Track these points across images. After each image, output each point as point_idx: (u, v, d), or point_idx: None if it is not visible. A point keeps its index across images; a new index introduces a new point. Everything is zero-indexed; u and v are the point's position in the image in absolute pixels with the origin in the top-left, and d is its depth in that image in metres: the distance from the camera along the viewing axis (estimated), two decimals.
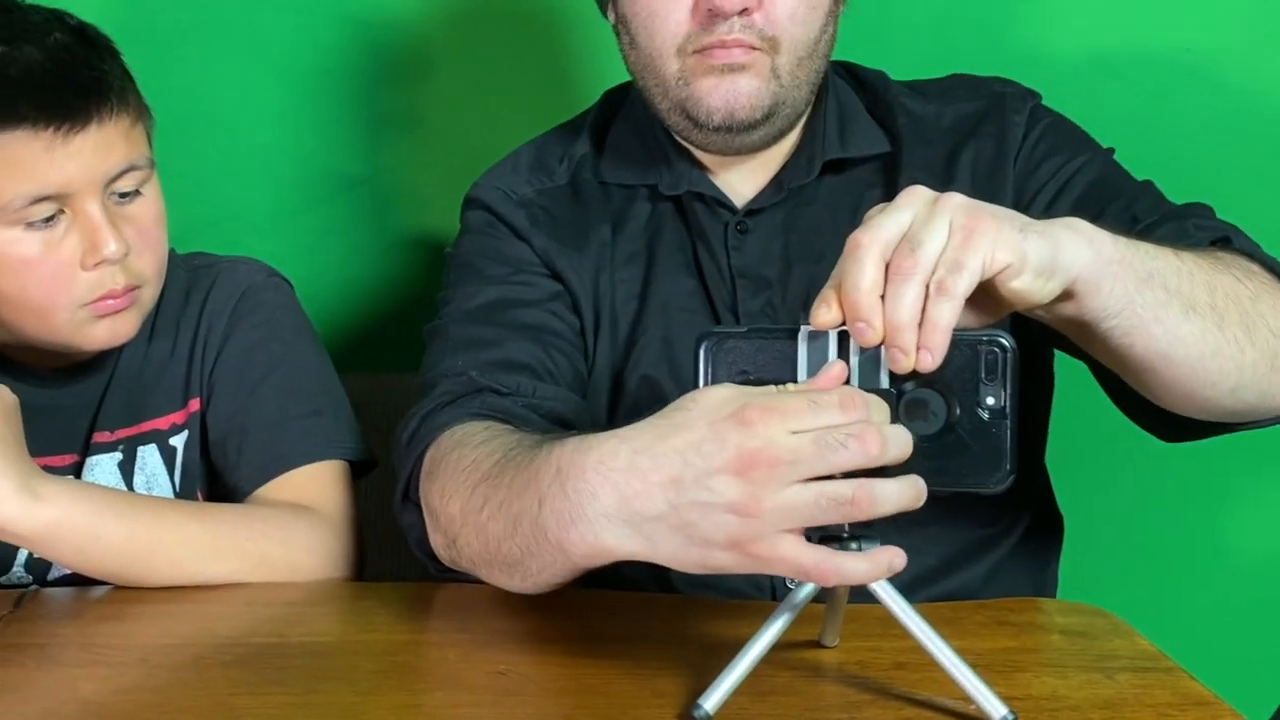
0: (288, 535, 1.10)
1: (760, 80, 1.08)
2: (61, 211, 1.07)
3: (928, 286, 0.75)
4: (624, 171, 1.19)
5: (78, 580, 1.08)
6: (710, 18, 1.06)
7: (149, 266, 1.13)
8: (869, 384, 0.78)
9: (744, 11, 1.06)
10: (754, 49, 1.07)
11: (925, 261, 0.75)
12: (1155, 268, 0.85)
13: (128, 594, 1.04)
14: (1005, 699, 0.76)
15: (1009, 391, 0.78)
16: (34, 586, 1.12)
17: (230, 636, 0.97)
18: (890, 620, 0.78)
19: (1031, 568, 1.17)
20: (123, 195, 1.11)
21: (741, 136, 1.11)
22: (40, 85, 1.05)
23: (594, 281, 1.16)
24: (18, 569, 1.15)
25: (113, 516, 1.03)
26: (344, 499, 1.16)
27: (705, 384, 0.80)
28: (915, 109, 1.18)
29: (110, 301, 1.10)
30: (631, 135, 1.20)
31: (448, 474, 0.96)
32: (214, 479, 1.20)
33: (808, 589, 0.78)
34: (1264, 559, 1.61)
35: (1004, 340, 0.79)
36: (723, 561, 0.75)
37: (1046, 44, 1.53)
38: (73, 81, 1.07)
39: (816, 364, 0.79)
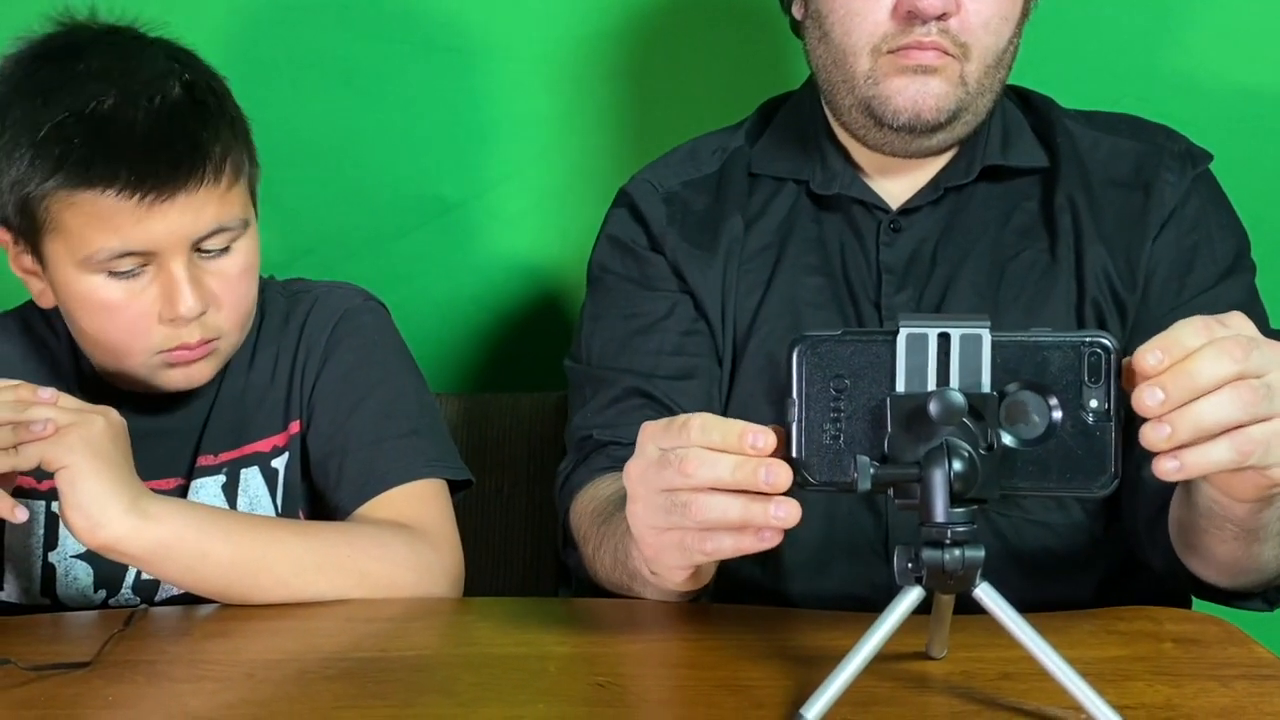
0: (387, 552, 1.10)
1: (949, 85, 1.10)
2: (145, 265, 1.09)
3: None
4: (777, 164, 1.22)
5: (186, 600, 1.10)
6: (910, 19, 1.08)
7: (228, 320, 1.13)
8: (970, 386, 0.77)
9: (942, 16, 1.08)
10: (947, 54, 1.10)
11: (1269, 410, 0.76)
12: None
13: (233, 612, 1.05)
14: (1117, 708, 0.74)
15: (1113, 394, 0.77)
16: (143, 606, 1.13)
17: (333, 651, 0.98)
18: (997, 629, 0.76)
19: (1147, 577, 1.14)
20: (210, 251, 1.11)
21: (921, 139, 1.13)
22: (137, 152, 1.06)
23: (721, 280, 1.19)
24: (126, 590, 1.17)
25: (219, 534, 1.04)
26: (443, 516, 1.16)
27: (799, 388, 0.79)
28: (1075, 131, 1.19)
29: (184, 353, 1.11)
30: (790, 131, 1.23)
31: (582, 527, 1.12)
32: (316, 499, 1.21)
33: (910, 598, 0.77)
34: None
35: (1107, 341, 0.78)
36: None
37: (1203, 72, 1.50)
38: (170, 150, 1.07)
39: (915, 369, 0.78)
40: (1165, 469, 0.76)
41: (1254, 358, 0.76)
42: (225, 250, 1.12)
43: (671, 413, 1.09)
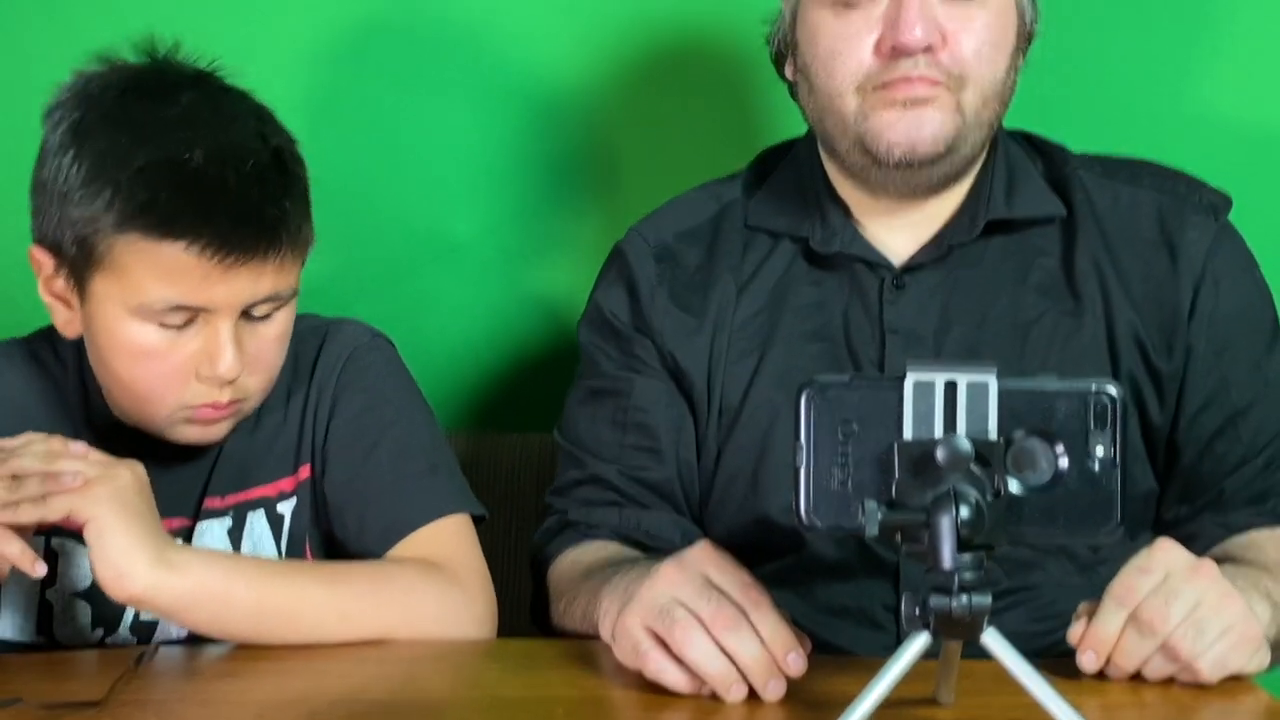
0: (412, 597, 1.09)
1: (945, 113, 1.08)
2: (193, 320, 1.07)
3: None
4: (776, 218, 1.19)
5: (192, 639, 1.09)
6: (895, 55, 1.06)
7: (257, 384, 1.12)
8: (977, 433, 0.77)
9: (928, 49, 1.06)
10: (938, 84, 1.07)
11: (1168, 626, 0.88)
12: None
13: (243, 651, 1.05)
14: None
15: (1118, 441, 0.78)
16: (154, 644, 1.13)
17: (342, 693, 0.97)
18: (1005, 675, 0.76)
19: None
20: (256, 317, 1.10)
21: (921, 173, 1.10)
22: (226, 214, 1.04)
23: (709, 349, 1.17)
24: (124, 629, 1.16)
25: (243, 582, 1.04)
26: (471, 552, 1.15)
27: (807, 433, 0.80)
28: (1091, 184, 1.16)
29: (210, 411, 1.10)
30: (789, 185, 1.21)
31: (559, 585, 1.15)
32: (331, 546, 1.19)
33: (918, 644, 0.77)
34: None
35: (1112, 389, 0.78)
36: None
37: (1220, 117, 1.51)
38: (258, 218, 1.05)
39: (922, 414, 0.78)
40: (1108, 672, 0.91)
41: (1173, 610, 0.88)
42: (268, 316, 1.11)
43: (631, 505, 1.17)
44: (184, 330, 1.07)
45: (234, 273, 1.05)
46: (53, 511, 0.98)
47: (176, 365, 1.08)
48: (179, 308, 1.05)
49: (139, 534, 0.99)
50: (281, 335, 1.13)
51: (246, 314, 1.08)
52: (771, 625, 0.88)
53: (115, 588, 0.99)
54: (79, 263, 1.07)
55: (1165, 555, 0.90)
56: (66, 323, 1.12)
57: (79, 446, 1.02)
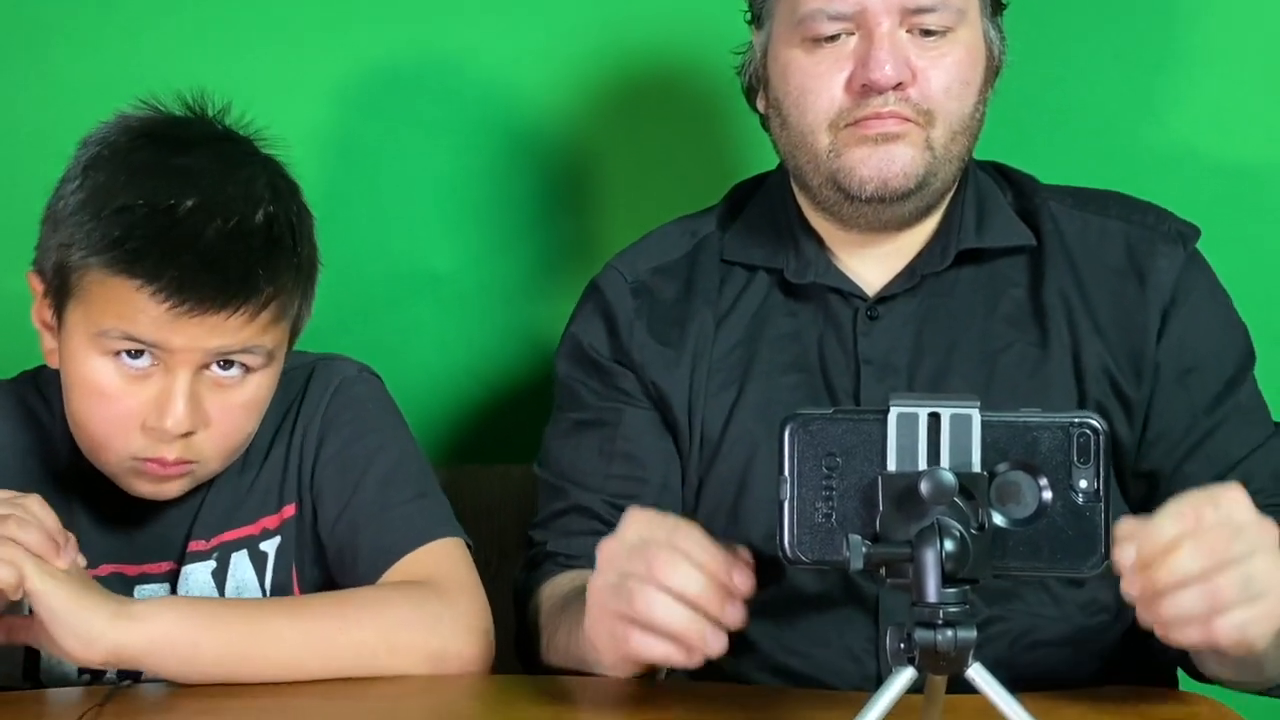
0: (384, 619, 1.07)
1: (915, 149, 1.10)
2: (155, 364, 1.06)
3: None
4: (751, 250, 1.20)
5: None
6: (865, 92, 1.08)
7: (214, 448, 1.10)
8: (960, 466, 0.77)
9: (899, 86, 1.07)
10: (908, 120, 1.09)
11: (1226, 557, 0.81)
12: None
13: (216, 689, 1.03)
14: None
15: (1102, 474, 0.78)
16: (126, 682, 1.11)
17: None
18: (991, 709, 0.76)
19: (1143, 661, 1.12)
20: (225, 366, 1.09)
21: (892, 208, 1.12)
22: (189, 264, 1.03)
23: (689, 381, 1.17)
24: (110, 673, 1.13)
25: (207, 625, 1.03)
26: (462, 569, 1.14)
27: (790, 467, 0.80)
28: (1061, 214, 1.17)
29: (156, 466, 1.09)
30: (763, 218, 1.22)
31: (541, 621, 1.13)
32: (329, 583, 1.18)
33: (903, 678, 0.76)
34: None
35: (1095, 422, 0.79)
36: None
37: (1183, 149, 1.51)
38: (221, 275, 1.04)
39: (906, 447, 0.78)
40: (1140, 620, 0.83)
41: (1234, 548, 0.81)
42: (236, 379, 1.09)
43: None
44: (142, 377, 1.07)
45: (190, 321, 1.04)
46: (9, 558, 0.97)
47: (127, 410, 1.07)
48: (132, 339, 1.05)
49: (90, 599, 0.99)
50: (249, 404, 1.11)
51: (212, 371, 1.08)
52: (704, 551, 0.87)
53: (83, 651, 0.99)
54: (59, 290, 1.08)
55: (1238, 498, 0.84)
56: (50, 352, 1.13)
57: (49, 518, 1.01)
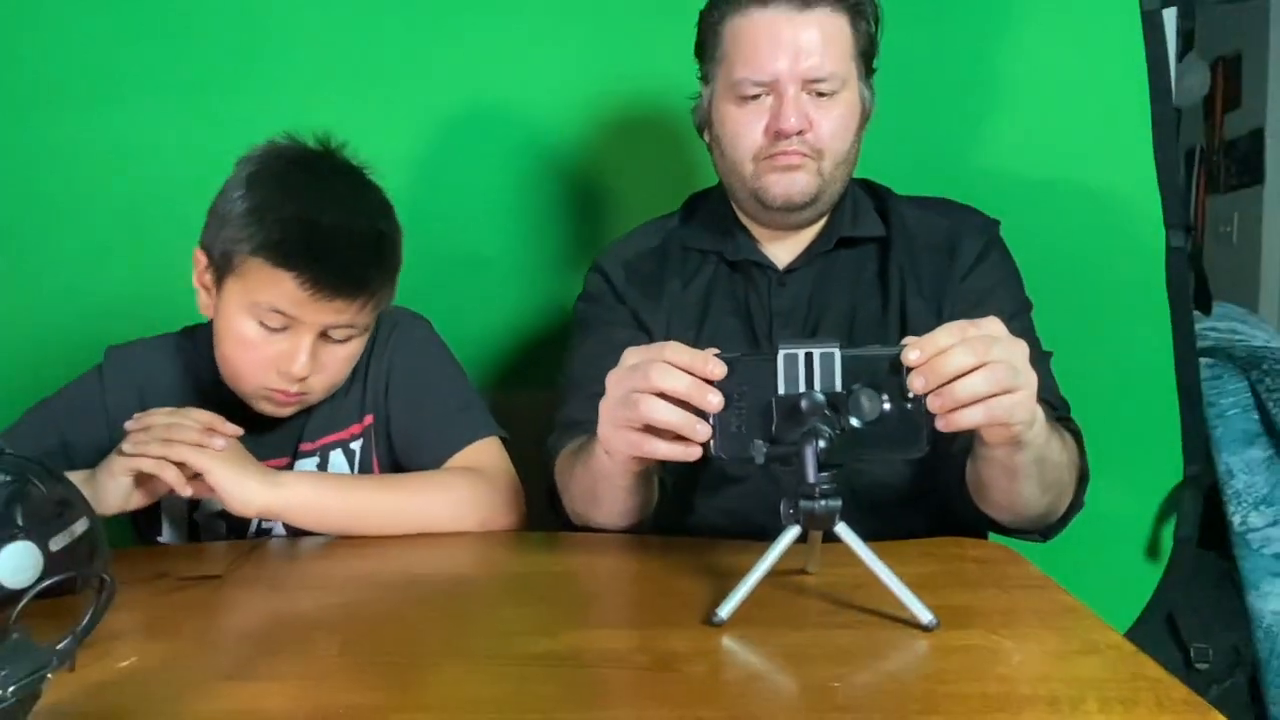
0: (449, 495, 1.08)
1: (809, 176, 1.11)
2: (286, 327, 1.07)
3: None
4: (702, 240, 1.21)
5: (294, 535, 1.09)
6: (777, 136, 1.10)
7: (320, 386, 1.11)
8: (827, 388, 0.78)
9: (800, 132, 1.09)
10: (806, 156, 1.11)
11: (990, 355, 0.79)
12: (1046, 443, 0.91)
13: (332, 542, 1.05)
14: (931, 607, 0.75)
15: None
16: (264, 536, 1.13)
17: (399, 569, 0.98)
18: (853, 554, 0.78)
19: (956, 520, 1.13)
20: (332, 339, 1.09)
21: (795, 215, 1.14)
22: (328, 266, 1.04)
23: (666, 322, 1.18)
24: (250, 537, 1.16)
25: (332, 492, 1.05)
26: (501, 461, 1.14)
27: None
28: (905, 213, 1.18)
29: (281, 396, 1.09)
30: (711, 217, 1.23)
31: (561, 468, 1.08)
32: (396, 470, 1.18)
33: (791, 534, 0.78)
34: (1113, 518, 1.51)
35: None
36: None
37: (1000, 168, 1.49)
38: (348, 277, 1.05)
39: (791, 378, 0.79)
40: (938, 426, 0.79)
41: (995, 351, 0.79)
42: (342, 341, 1.10)
43: None
44: (276, 333, 1.07)
45: (322, 305, 1.05)
46: (174, 454, 1.00)
47: (264, 356, 1.07)
48: (277, 312, 1.05)
49: (247, 469, 1.01)
50: (349, 356, 1.12)
51: (325, 334, 1.08)
52: (683, 356, 0.82)
53: (242, 507, 1.01)
54: (221, 267, 1.08)
55: (990, 322, 0.81)
56: (205, 306, 1.12)
57: (222, 423, 1.03)
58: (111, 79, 1.52)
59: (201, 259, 1.11)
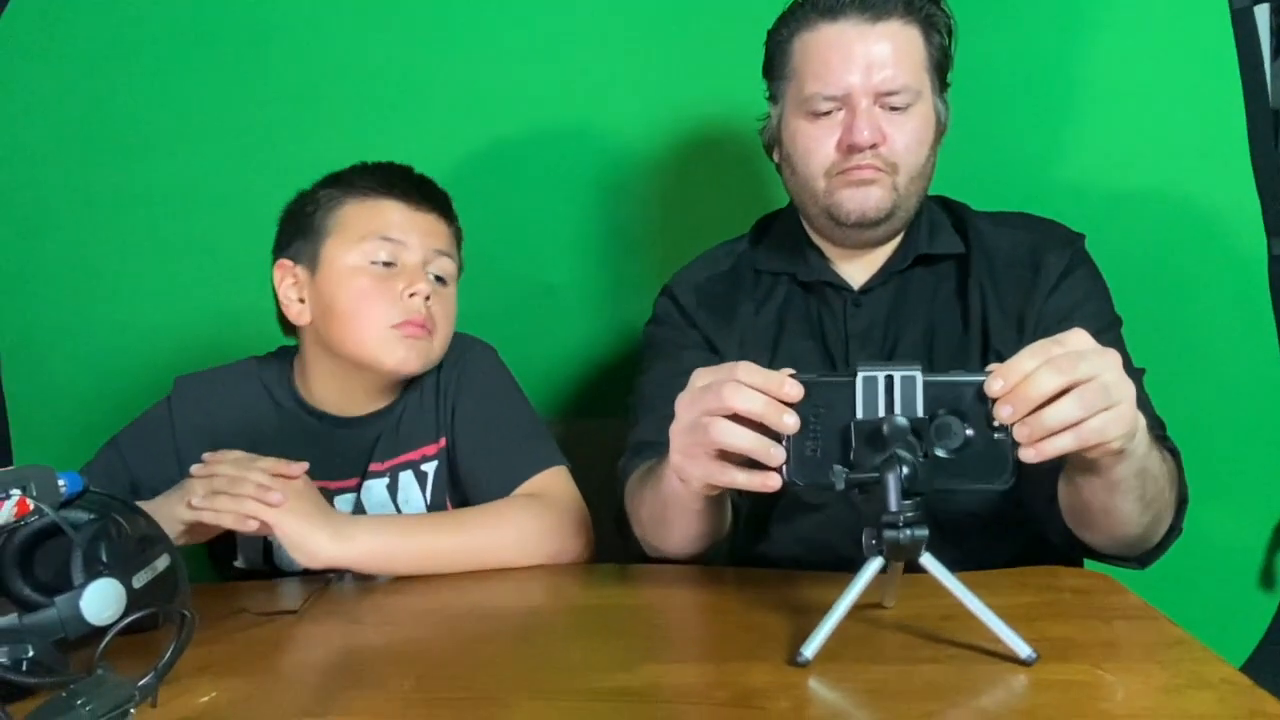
0: (521, 529, 1.07)
1: (884, 191, 1.10)
2: (395, 261, 1.12)
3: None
4: (774, 261, 1.21)
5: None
6: (850, 150, 1.09)
7: (440, 329, 1.15)
8: (909, 413, 0.76)
9: (873, 146, 1.08)
10: (880, 170, 1.09)
11: (1076, 375, 0.75)
12: (1147, 454, 0.87)
13: (404, 579, 1.05)
14: (1027, 640, 0.73)
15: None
16: (339, 573, 1.12)
17: (470, 603, 0.99)
18: (937, 585, 0.76)
19: (1049, 548, 1.09)
20: (439, 279, 1.16)
21: (869, 231, 1.13)
22: (407, 180, 1.16)
23: (739, 346, 1.17)
24: None
25: (398, 539, 1.05)
26: (567, 488, 1.14)
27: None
28: (984, 229, 1.16)
29: (412, 327, 1.12)
30: (782, 237, 1.22)
31: (631, 491, 1.07)
32: (462, 499, 1.18)
33: (874, 565, 0.76)
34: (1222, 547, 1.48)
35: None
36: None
37: (1084, 180, 1.46)
38: (426, 185, 1.17)
39: (870, 402, 0.77)
40: (1025, 456, 0.76)
41: (1082, 367, 0.75)
42: (441, 290, 1.15)
43: None
44: (389, 276, 1.12)
45: (418, 217, 1.13)
46: (241, 509, 1.01)
47: (384, 295, 1.11)
48: (385, 239, 1.12)
49: (316, 522, 1.02)
50: (450, 311, 1.17)
51: (429, 281, 1.13)
52: (756, 376, 0.78)
53: (309, 560, 1.02)
54: (311, 244, 1.14)
55: (1075, 335, 0.77)
56: (299, 314, 1.15)
57: (287, 466, 1.04)
58: (191, 127, 1.57)
59: (285, 264, 1.16)
